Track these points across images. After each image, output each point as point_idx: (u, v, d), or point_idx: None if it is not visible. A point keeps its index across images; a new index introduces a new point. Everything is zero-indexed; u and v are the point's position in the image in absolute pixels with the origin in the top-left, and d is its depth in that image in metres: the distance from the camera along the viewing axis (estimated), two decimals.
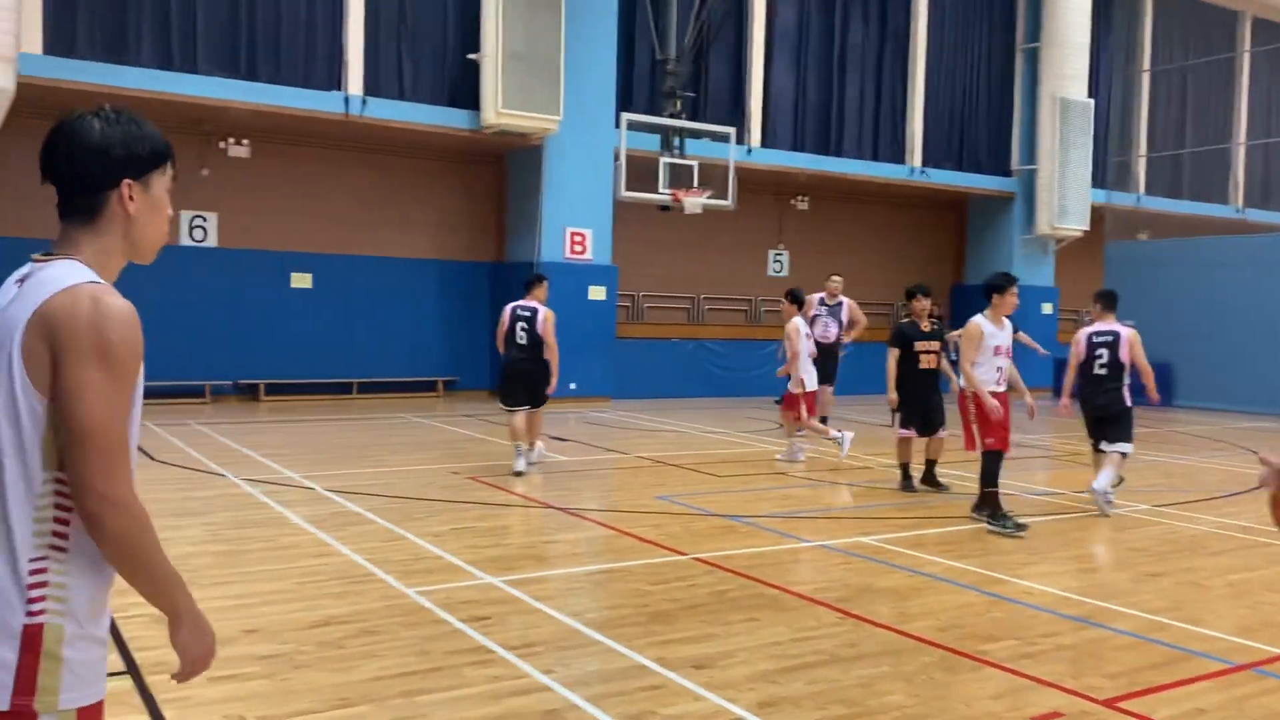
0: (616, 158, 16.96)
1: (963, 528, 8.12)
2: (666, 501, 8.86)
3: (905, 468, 9.70)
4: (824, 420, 13.74)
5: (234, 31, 14.96)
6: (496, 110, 15.80)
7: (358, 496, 8.64)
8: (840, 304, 13.66)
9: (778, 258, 21.98)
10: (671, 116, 17.59)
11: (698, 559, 6.79)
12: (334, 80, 15.61)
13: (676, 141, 17.55)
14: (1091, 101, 22.48)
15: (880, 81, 21.07)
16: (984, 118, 22.62)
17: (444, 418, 14.96)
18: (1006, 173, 22.90)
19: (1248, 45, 26.53)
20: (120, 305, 1.89)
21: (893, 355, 9.71)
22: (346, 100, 15.47)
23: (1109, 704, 4.43)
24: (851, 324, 13.72)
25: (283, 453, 10.80)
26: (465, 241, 18.51)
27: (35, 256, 1.98)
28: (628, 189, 16.79)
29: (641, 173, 16.90)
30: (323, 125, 15.91)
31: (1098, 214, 22.69)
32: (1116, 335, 8.86)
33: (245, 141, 16.50)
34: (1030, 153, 22.68)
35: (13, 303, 1.91)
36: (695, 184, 17.28)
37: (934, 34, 21.65)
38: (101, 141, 1.98)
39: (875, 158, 20.97)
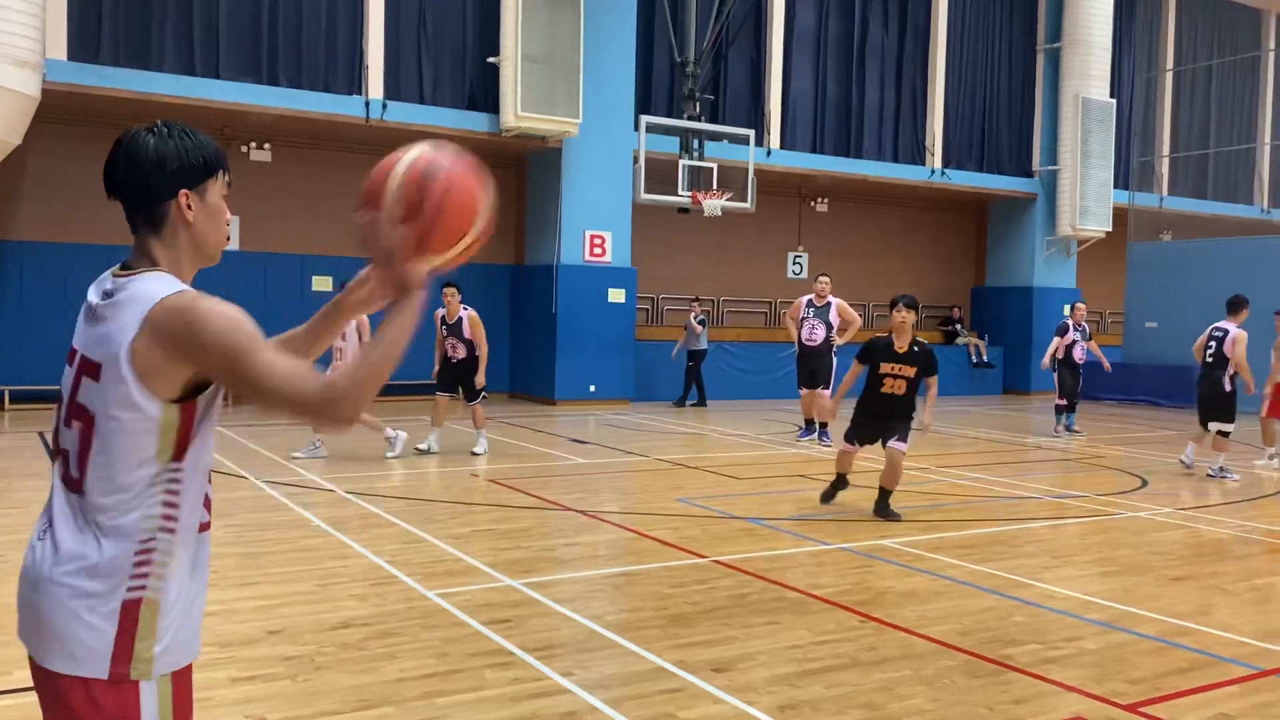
0: (635, 160, 16.98)
1: (984, 531, 8.07)
2: (686, 504, 8.86)
3: (839, 479, 8.73)
4: (823, 427, 13.39)
5: (255, 37, 15.08)
6: (516, 113, 15.85)
7: (378, 499, 8.68)
8: (829, 305, 13.10)
9: (797, 260, 21.93)
10: (690, 119, 17.59)
11: (717, 562, 6.78)
12: (355, 84, 15.70)
13: (695, 144, 17.54)
14: (1114, 101, 22.33)
15: (900, 83, 21.00)
16: (1005, 118, 22.50)
17: (463, 421, 14.98)
18: (1028, 174, 22.77)
19: (1272, 44, 26.30)
20: (219, 304, 2.01)
21: (854, 368, 8.53)
22: (367, 104, 15.55)
23: (1132, 709, 4.39)
24: (844, 325, 13.05)
25: (303, 455, 10.84)
26: (485, 244, 18.52)
27: (116, 271, 2.09)
28: (647, 191, 16.80)
29: (660, 175, 16.90)
30: (344, 129, 16.00)
31: (1120, 215, 22.52)
32: (1226, 332, 11.11)
33: (267, 146, 16.63)
34: (1052, 153, 22.54)
35: (112, 316, 2.00)
36: (714, 186, 17.27)
37: (954, 34, 21.56)
38: (156, 155, 2.08)
39: (895, 159, 20.91)
